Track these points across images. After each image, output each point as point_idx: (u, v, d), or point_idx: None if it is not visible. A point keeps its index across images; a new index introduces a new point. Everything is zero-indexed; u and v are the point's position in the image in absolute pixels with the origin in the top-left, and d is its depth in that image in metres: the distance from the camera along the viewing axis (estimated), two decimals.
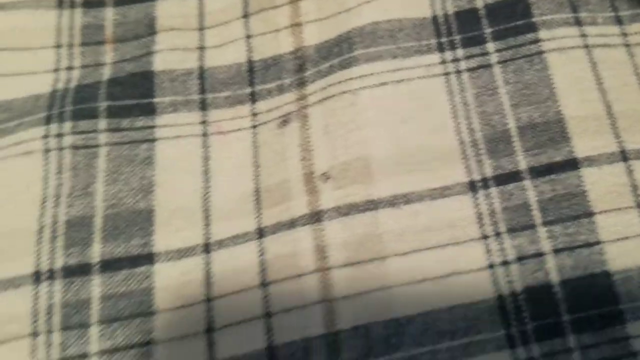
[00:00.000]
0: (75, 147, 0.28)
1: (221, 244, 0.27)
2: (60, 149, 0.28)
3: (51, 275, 0.26)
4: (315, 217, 0.27)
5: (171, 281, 0.27)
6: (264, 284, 0.26)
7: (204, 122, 0.30)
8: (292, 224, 0.27)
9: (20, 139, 0.28)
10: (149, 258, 0.27)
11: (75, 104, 0.29)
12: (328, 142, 0.28)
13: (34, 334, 0.25)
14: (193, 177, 0.29)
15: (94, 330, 0.26)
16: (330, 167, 0.28)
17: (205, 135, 0.30)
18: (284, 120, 0.29)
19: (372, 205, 0.27)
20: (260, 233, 0.27)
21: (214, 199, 0.28)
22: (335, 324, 0.25)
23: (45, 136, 0.28)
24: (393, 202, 0.26)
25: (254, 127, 0.30)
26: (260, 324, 0.26)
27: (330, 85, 0.29)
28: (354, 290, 0.26)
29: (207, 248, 0.27)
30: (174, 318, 0.26)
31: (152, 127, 0.29)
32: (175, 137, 0.29)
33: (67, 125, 0.28)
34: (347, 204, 0.27)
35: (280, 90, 0.30)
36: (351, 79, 0.29)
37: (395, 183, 0.27)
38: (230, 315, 0.26)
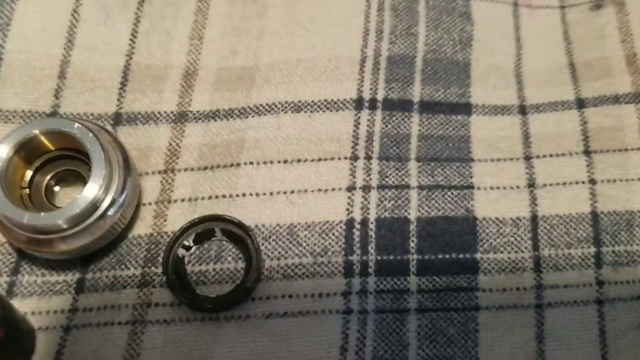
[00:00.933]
0: None
1: (538, 108, 0.26)
2: None
3: (373, 104, 0.26)
4: (639, 97, 0.26)
5: (488, 133, 0.26)
6: (588, 152, 0.25)
7: None
8: (616, 99, 0.26)
9: None
10: (466, 107, 0.26)
11: None
12: None
13: (354, 157, 0.25)
14: (507, 40, 0.28)
15: (413, 165, 0.25)
16: None
17: (516, 4, 0.29)
18: (597, 5, 0.29)
19: None
20: (581, 103, 0.26)
21: (527, 65, 0.28)
22: None
23: None
24: None
25: (563, 7, 0.29)
26: (584, 188, 0.25)
27: None
28: None
29: (523, 110, 0.26)
30: (493, 169, 0.25)
31: None
32: (488, 0, 0.28)
33: None
34: None
35: None
36: None
37: None
38: (551, 176, 0.25)
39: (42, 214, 0.21)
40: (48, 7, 0.26)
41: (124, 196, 0.22)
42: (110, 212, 0.22)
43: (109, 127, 0.25)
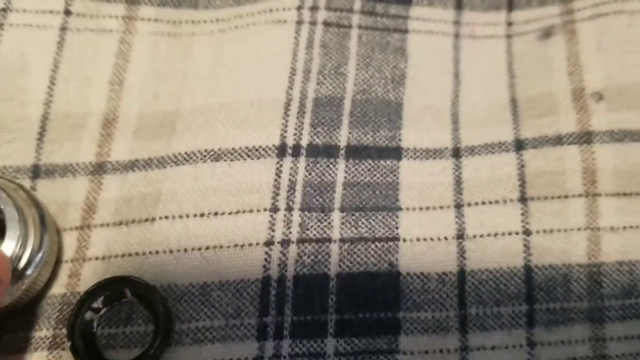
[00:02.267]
0: (327, 24, 0.26)
1: (472, 150, 0.25)
2: (313, 23, 0.26)
3: (296, 151, 0.24)
4: (585, 137, 0.24)
5: (418, 179, 0.25)
6: (523, 199, 0.24)
7: (457, 22, 0.27)
8: (558, 139, 0.24)
9: (274, 6, 0.26)
10: (396, 152, 0.25)
11: None
12: (601, 60, 0.25)
13: (274, 209, 0.24)
14: (443, 76, 0.27)
15: (336, 216, 0.24)
16: (603, 87, 0.25)
17: (456, 36, 0.27)
18: (546, 33, 0.27)
19: None
20: (520, 145, 0.25)
21: (465, 103, 0.26)
22: (598, 255, 0.23)
23: (299, 7, 0.26)
24: None
25: (509, 36, 0.27)
26: (518, 240, 0.23)
27: (603, 3, 0.26)
28: (623, 223, 0.23)
29: (457, 152, 0.25)
30: (421, 218, 0.24)
31: (406, 17, 0.27)
32: (427, 31, 0.27)
33: None
34: (622, 130, 0.24)
35: (542, 2, 0.27)
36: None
37: None
38: (482, 226, 0.24)
39: None
40: None
41: (40, 254, 0.22)
42: (28, 272, 0.22)
43: (27, 182, 0.24)
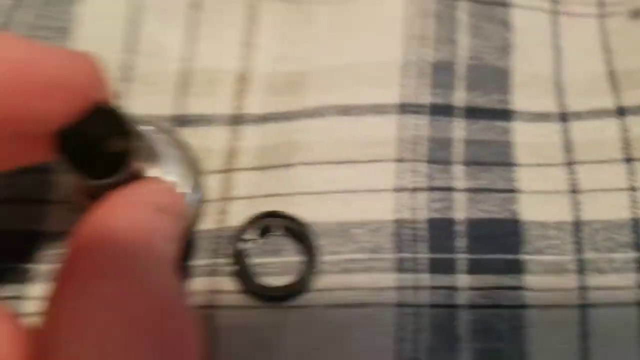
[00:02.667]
0: None
1: (578, 116, 0.27)
2: None
3: (417, 109, 0.27)
4: None
5: (529, 139, 0.27)
6: (628, 160, 0.26)
7: (554, 1, 0.30)
8: None
9: None
10: (507, 114, 0.27)
11: None
12: None
13: (401, 160, 0.26)
14: (545, 48, 0.29)
15: (458, 169, 0.26)
16: None
17: (555, 13, 0.30)
18: (635, 13, 0.30)
19: None
20: (621, 111, 0.27)
21: (565, 73, 0.29)
22: None
23: None
24: None
25: (601, 16, 0.30)
26: (625, 195, 0.26)
27: None
28: None
29: (564, 117, 0.27)
30: (536, 173, 0.26)
31: None
32: (528, 7, 0.29)
33: None
34: None
35: None
36: None
37: None
38: (592, 182, 0.26)
39: None
40: (107, 11, 0.27)
41: (198, 194, 0.24)
42: (188, 210, 0.23)
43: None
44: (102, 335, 0.17)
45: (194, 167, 0.24)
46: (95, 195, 0.21)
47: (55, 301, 0.18)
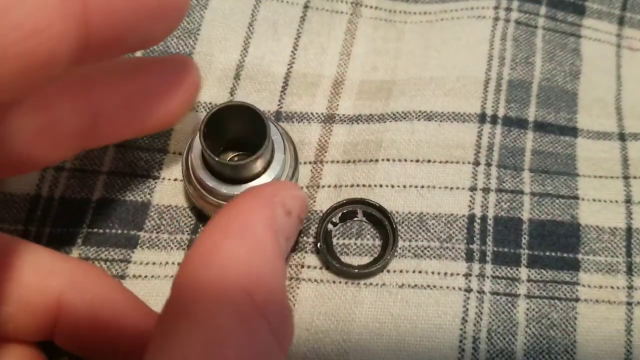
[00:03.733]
0: (518, 23, 0.32)
1: (636, 136, 0.30)
2: (507, 20, 0.32)
3: (494, 120, 0.30)
4: None
5: (591, 154, 0.30)
6: None
7: (619, 35, 0.33)
8: None
9: (475, 5, 0.32)
10: (573, 131, 0.30)
11: None
12: None
13: (476, 163, 0.29)
14: (609, 76, 0.32)
15: (526, 175, 0.29)
16: None
17: (619, 46, 0.33)
18: None
19: None
20: None
21: (626, 99, 0.32)
22: None
23: (496, 7, 0.32)
24: None
25: None
26: None
27: None
28: None
29: (622, 137, 0.31)
30: (595, 184, 0.29)
31: (579, 25, 0.33)
32: (596, 39, 0.33)
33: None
34: None
35: None
36: None
37: None
38: None
39: (241, 185, 0.26)
40: (230, 19, 0.31)
41: (294, 180, 0.28)
42: None
43: None
44: None
45: (295, 156, 0.28)
46: (227, 178, 0.25)
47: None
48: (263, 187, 0.23)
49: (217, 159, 0.24)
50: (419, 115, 0.30)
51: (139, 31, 0.19)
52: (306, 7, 0.32)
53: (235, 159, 0.28)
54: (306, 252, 0.27)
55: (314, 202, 0.29)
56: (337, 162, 0.30)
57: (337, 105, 0.31)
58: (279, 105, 0.30)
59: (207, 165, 0.26)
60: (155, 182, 0.29)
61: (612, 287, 0.27)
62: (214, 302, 0.18)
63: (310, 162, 0.30)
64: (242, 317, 0.18)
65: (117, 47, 0.20)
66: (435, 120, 0.30)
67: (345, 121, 0.30)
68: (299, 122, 0.30)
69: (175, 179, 0.29)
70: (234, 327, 0.18)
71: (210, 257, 0.19)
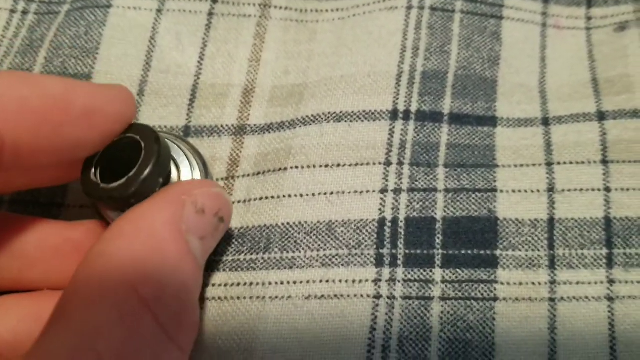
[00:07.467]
0: (433, 9, 0.31)
1: (560, 119, 0.29)
2: (421, 8, 0.31)
3: (406, 116, 0.29)
4: None
5: (512, 143, 0.29)
6: (605, 161, 0.28)
7: (544, 14, 0.32)
8: (635, 113, 0.28)
9: None
10: (492, 120, 0.29)
11: None
12: None
13: (387, 163, 0.28)
14: (532, 60, 0.31)
15: (441, 171, 0.28)
16: None
17: (544, 25, 0.32)
18: (621, 27, 0.31)
19: None
20: (601, 116, 0.29)
21: (551, 82, 0.30)
22: None
23: None
24: None
25: (588, 29, 0.31)
26: (600, 195, 0.27)
27: None
28: None
29: (546, 121, 0.29)
30: (515, 174, 0.28)
31: (501, 5, 0.31)
32: (519, 20, 0.31)
33: None
34: None
35: (617, 1, 0.31)
36: None
37: None
38: (569, 182, 0.27)
39: None
40: (129, 34, 0.30)
41: None
42: None
43: None
44: None
45: (205, 173, 0.27)
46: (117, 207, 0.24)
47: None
48: (172, 186, 0.23)
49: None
50: (329, 117, 0.29)
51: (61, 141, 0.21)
52: (211, 14, 0.31)
53: None
54: (212, 270, 0.27)
55: None
56: (248, 175, 0.29)
57: (248, 115, 0.30)
58: (187, 119, 0.30)
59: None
60: (60, 210, 0.28)
61: (533, 283, 0.26)
62: (90, 298, 0.19)
63: (222, 179, 0.29)
64: (123, 311, 0.19)
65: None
66: (345, 121, 0.29)
67: (256, 131, 0.30)
68: (209, 137, 0.29)
69: (82, 206, 0.28)
70: (111, 320, 0.18)
71: (97, 258, 0.20)
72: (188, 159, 0.26)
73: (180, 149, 0.26)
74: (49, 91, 0.22)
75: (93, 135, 0.23)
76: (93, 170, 0.24)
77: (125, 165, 0.24)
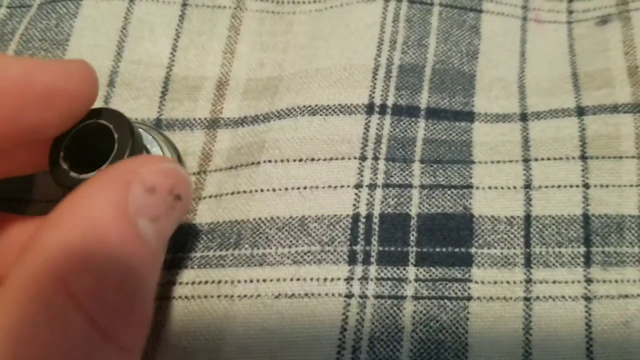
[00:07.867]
0: (412, 2, 0.30)
1: (538, 115, 0.28)
2: (399, 0, 0.30)
3: (382, 110, 0.28)
4: (639, 107, 0.28)
5: (489, 139, 0.28)
6: (584, 157, 0.27)
7: (524, 7, 0.31)
8: (614, 108, 0.28)
9: None
10: (469, 115, 0.28)
11: None
12: None
13: (363, 158, 0.27)
14: (511, 54, 0.30)
15: (417, 166, 0.27)
16: None
17: (524, 19, 0.31)
18: (603, 20, 0.30)
19: None
20: (581, 111, 0.28)
21: (530, 76, 0.30)
22: None
23: None
24: None
25: (569, 22, 0.31)
26: (578, 192, 0.26)
27: None
28: None
29: (524, 117, 0.28)
30: (492, 170, 0.27)
31: None
32: (498, 13, 0.31)
33: None
34: None
35: None
36: None
37: None
38: (547, 178, 0.27)
39: None
40: (101, 25, 0.30)
41: None
42: None
43: None
44: None
45: (180, 164, 0.26)
46: None
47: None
48: (117, 164, 0.21)
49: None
50: (304, 111, 0.28)
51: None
52: (185, 4, 0.30)
53: None
54: (179, 267, 0.26)
55: (195, 215, 0.27)
56: (221, 169, 0.28)
57: (222, 108, 0.29)
58: (159, 112, 0.29)
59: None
60: (26, 205, 0.27)
61: (508, 282, 0.25)
62: (20, 297, 0.17)
63: (194, 173, 0.28)
64: (51, 311, 0.17)
65: None
66: (321, 115, 0.28)
67: (230, 125, 0.29)
68: (181, 130, 0.29)
69: (48, 200, 0.27)
70: (38, 321, 0.17)
71: (29, 252, 0.18)
72: (162, 149, 0.26)
73: (155, 139, 0.26)
74: (6, 73, 0.21)
75: (54, 115, 0.21)
76: (62, 155, 0.23)
77: (95, 152, 0.23)
